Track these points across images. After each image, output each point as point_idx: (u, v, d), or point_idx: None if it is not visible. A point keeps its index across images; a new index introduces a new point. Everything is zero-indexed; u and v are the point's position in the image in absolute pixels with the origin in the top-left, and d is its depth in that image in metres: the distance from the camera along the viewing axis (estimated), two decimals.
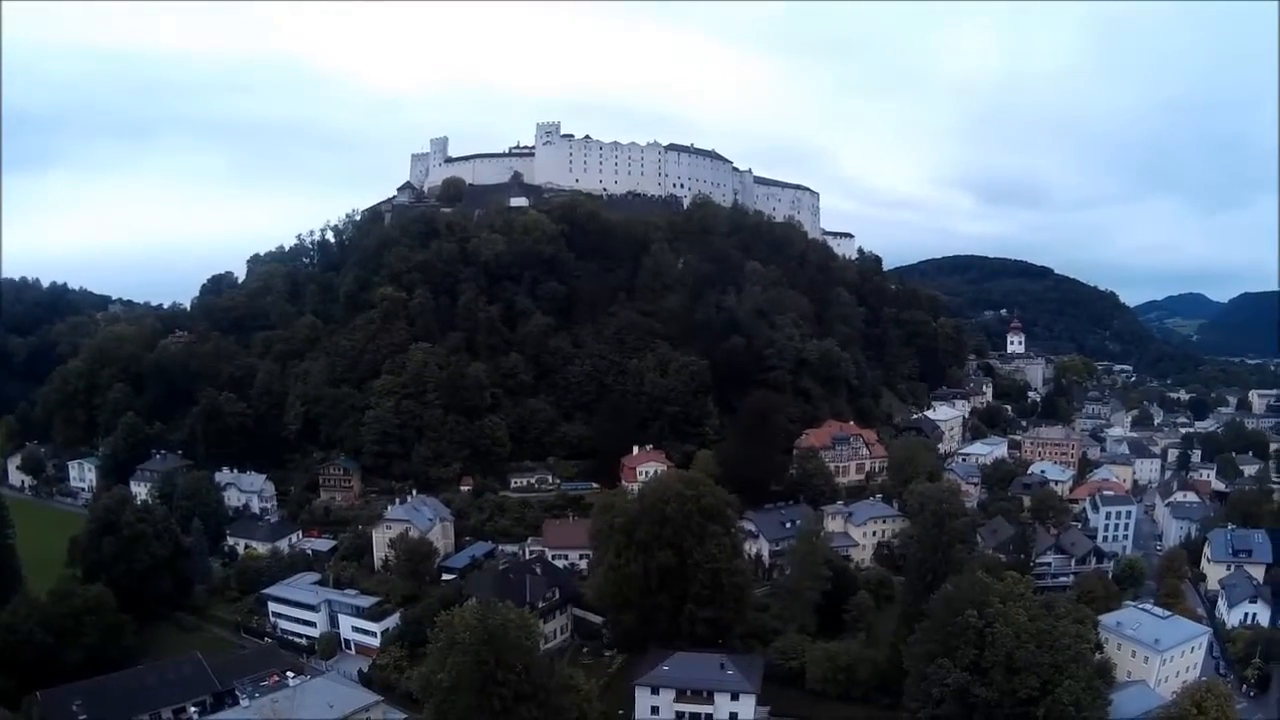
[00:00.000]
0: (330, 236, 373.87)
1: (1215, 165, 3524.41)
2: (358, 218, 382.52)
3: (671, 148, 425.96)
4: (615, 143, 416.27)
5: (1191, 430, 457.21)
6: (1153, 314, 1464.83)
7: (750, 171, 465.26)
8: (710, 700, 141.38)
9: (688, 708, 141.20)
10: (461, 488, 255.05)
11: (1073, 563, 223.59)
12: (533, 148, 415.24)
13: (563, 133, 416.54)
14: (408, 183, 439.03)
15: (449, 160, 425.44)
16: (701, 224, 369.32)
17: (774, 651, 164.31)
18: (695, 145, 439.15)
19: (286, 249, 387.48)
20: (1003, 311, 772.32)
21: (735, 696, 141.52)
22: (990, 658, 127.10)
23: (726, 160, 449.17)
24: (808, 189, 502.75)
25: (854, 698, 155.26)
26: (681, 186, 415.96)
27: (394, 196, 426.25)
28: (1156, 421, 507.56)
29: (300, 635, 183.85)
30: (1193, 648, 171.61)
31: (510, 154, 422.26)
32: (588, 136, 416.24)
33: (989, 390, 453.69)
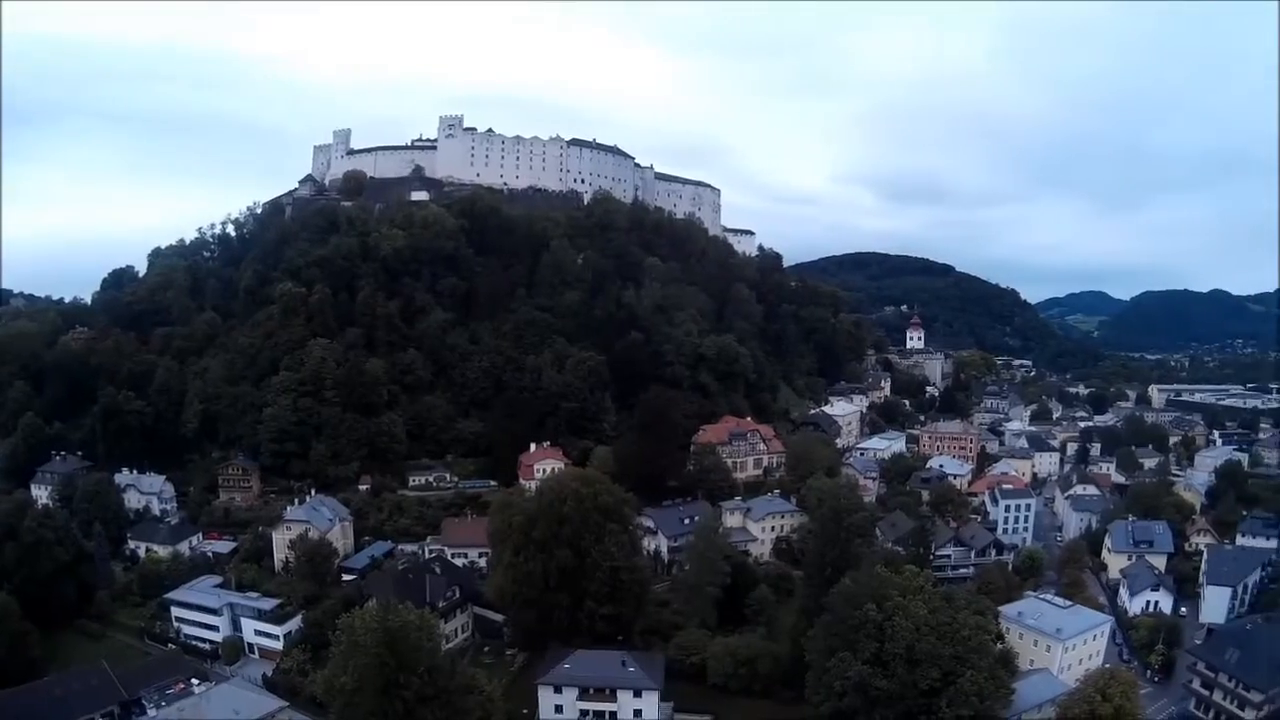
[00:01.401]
0: (231, 230, 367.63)
1: (1119, 167, 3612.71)
2: (259, 211, 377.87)
3: (574, 143, 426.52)
4: (518, 137, 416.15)
5: (1091, 424, 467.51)
6: (1054, 310, 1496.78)
7: (652, 168, 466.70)
8: (613, 698, 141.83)
9: (591, 706, 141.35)
10: (360, 487, 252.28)
11: (972, 555, 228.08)
12: (435, 141, 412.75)
13: (466, 126, 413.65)
14: (309, 175, 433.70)
15: (351, 152, 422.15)
16: (602, 220, 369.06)
17: (675, 647, 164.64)
18: (598, 141, 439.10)
19: (188, 242, 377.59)
20: (903, 308, 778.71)
21: (638, 693, 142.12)
22: (891, 650, 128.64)
23: (629, 156, 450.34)
24: (709, 186, 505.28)
25: (756, 692, 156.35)
26: (583, 182, 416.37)
27: (295, 189, 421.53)
28: (1056, 416, 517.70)
29: (204, 640, 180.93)
30: (1095, 636, 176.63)
31: (412, 147, 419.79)
32: (490, 130, 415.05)
33: (887, 385, 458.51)
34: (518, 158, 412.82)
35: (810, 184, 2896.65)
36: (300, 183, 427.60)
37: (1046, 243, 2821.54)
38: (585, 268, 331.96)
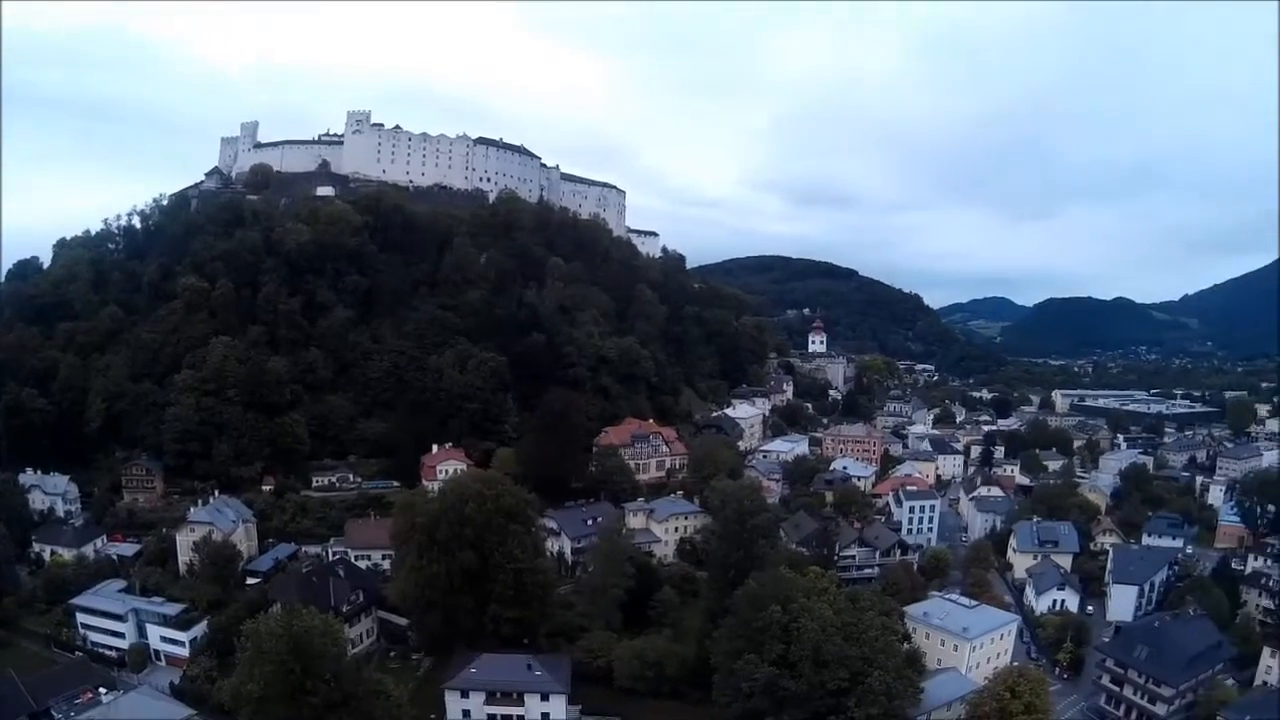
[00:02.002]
0: (137, 222, 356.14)
1: (1028, 176, 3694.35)
2: (165, 203, 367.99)
3: (480, 141, 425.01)
4: (424, 134, 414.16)
5: (994, 428, 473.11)
6: (957, 316, 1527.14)
7: (558, 168, 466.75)
8: (521, 701, 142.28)
9: (499, 710, 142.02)
10: (263, 487, 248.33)
11: (877, 555, 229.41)
12: (343, 136, 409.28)
13: (374, 122, 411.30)
14: (216, 168, 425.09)
15: (258, 146, 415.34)
16: (506, 219, 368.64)
17: (581, 650, 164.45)
18: (505, 140, 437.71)
19: (94, 234, 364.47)
20: (806, 311, 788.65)
21: (545, 697, 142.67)
22: (797, 652, 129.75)
23: (535, 156, 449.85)
24: (614, 187, 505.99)
25: (664, 693, 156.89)
26: (488, 181, 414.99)
27: (201, 181, 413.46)
28: (959, 419, 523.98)
29: (110, 647, 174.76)
30: (1002, 635, 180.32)
31: (319, 141, 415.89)
32: (398, 127, 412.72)
33: (790, 388, 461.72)
34: (424, 155, 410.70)
35: (717, 187, 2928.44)
36: (207, 175, 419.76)
37: (953, 250, 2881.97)
38: (488, 267, 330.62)
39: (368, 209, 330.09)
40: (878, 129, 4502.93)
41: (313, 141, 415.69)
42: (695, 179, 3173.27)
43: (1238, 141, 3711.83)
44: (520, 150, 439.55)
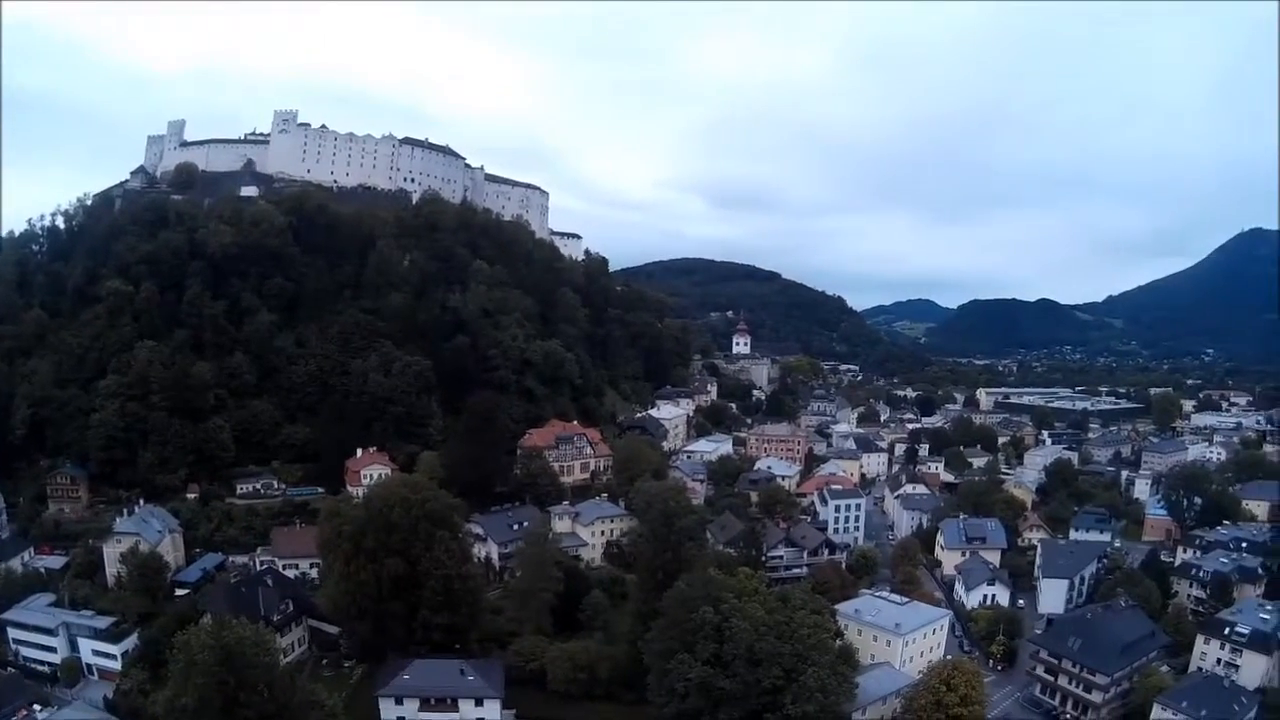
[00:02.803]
0: (60, 223, 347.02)
1: (955, 182, 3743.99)
2: (89, 203, 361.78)
3: (406, 141, 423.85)
4: (351, 134, 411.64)
5: (919, 426, 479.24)
6: (881, 318, 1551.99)
7: (482, 168, 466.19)
8: (455, 707, 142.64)
9: (433, 716, 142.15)
10: (188, 495, 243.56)
11: (805, 555, 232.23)
12: (269, 135, 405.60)
13: (300, 121, 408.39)
14: (141, 167, 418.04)
15: (184, 144, 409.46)
16: (430, 220, 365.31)
17: (513, 654, 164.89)
18: (430, 140, 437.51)
19: (17, 234, 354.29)
20: (729, 313, 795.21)
21: (480, 702, 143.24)
22: (731, 651, 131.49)
23: (459, 156, 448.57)
24: (538, 188, 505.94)
25: (598, 696, 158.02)
26: (413, 181, 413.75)
27: (126, 181, 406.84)
28: (883, 418, 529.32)
29: (43, 662, 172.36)
30: (935, 629, 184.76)
31: (245, 140, 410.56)
32: (324, 126, 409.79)
33: (714, 389, 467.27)
34: (349, 155, 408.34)
35: (642, 190, 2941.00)
36: (132, 174, 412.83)
37: (878, 253, 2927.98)
38: (412, 269, 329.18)
39: (292, 210, 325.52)
40: (805, 134, 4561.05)
41: (238, 141, 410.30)
42: (620, 181, 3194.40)
43: (1161, 148, 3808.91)
44: (445, 150, 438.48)
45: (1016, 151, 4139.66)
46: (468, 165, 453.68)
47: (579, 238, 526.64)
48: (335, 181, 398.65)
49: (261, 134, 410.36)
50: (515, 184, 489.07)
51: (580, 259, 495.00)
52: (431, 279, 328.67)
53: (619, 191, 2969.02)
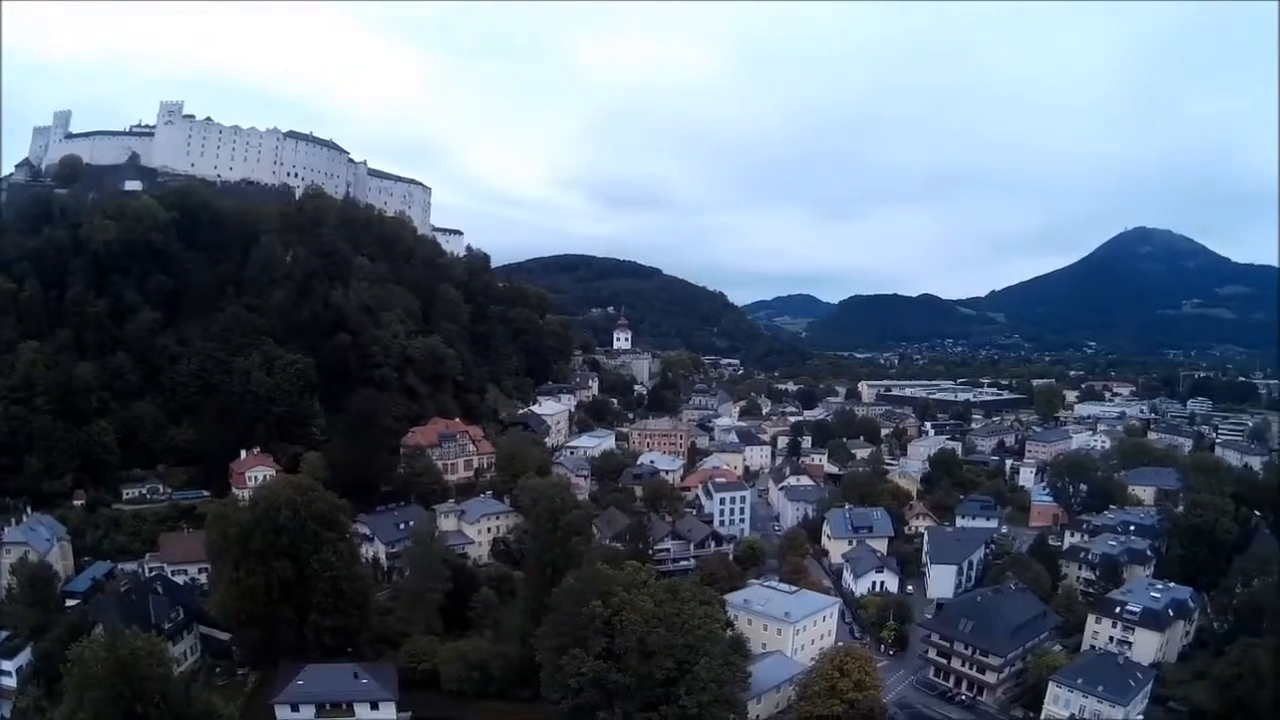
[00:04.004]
0: None
1: (836, 178, 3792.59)
2: None
3: (290, 135, 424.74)
4: (235, 127, 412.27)
5: (801, 419, 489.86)
6: (762, 313, 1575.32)
7: (365, 163, 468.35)
8: (351, 711, 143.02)
9: None
10: (74, 502, 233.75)
11: (692, 547, 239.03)
12: (154, 128, 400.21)
13: (185, 113, 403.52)
14: (26, 159, 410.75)
15: (70, 136, 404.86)
16: (313, 216, 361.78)
17: (405, 655, 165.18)
18: (315, 134, 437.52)
19: None
20: (610, 309, 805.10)
21: (375, 705, 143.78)
22: (622, 644, 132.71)
23: (343, 151, 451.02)
24: (420, 184, 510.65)
25: (492, 694, 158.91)
26: (296, 176, 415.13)
27: (10, 174, 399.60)
28: (765, 412, 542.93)
29: None
30: (824, 617, 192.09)
31: (130, 133, 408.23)
32: (209, 119, 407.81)
33: (595, 385, 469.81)
34: (233, 149, 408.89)
35: (525, 186, 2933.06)
36: (16, 167, 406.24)
37: (761, 249, 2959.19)
38: (294, 266, 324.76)
39: (175, 205, 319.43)
40: (692, 132, 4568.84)
41: (123, 133, 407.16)
42: (504, 179, 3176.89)
43: (1051, 148, 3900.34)
44: (330, 145, 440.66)
45: (904, 150, 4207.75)
46: (351, 160, 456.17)
47: (461, 234, 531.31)
48: (219, 176, 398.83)
49: (147, 126, 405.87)
50: (399, 179, 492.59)
51: (462, 255, 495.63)
52: (314, 275, 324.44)
53: (503, 188, 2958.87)
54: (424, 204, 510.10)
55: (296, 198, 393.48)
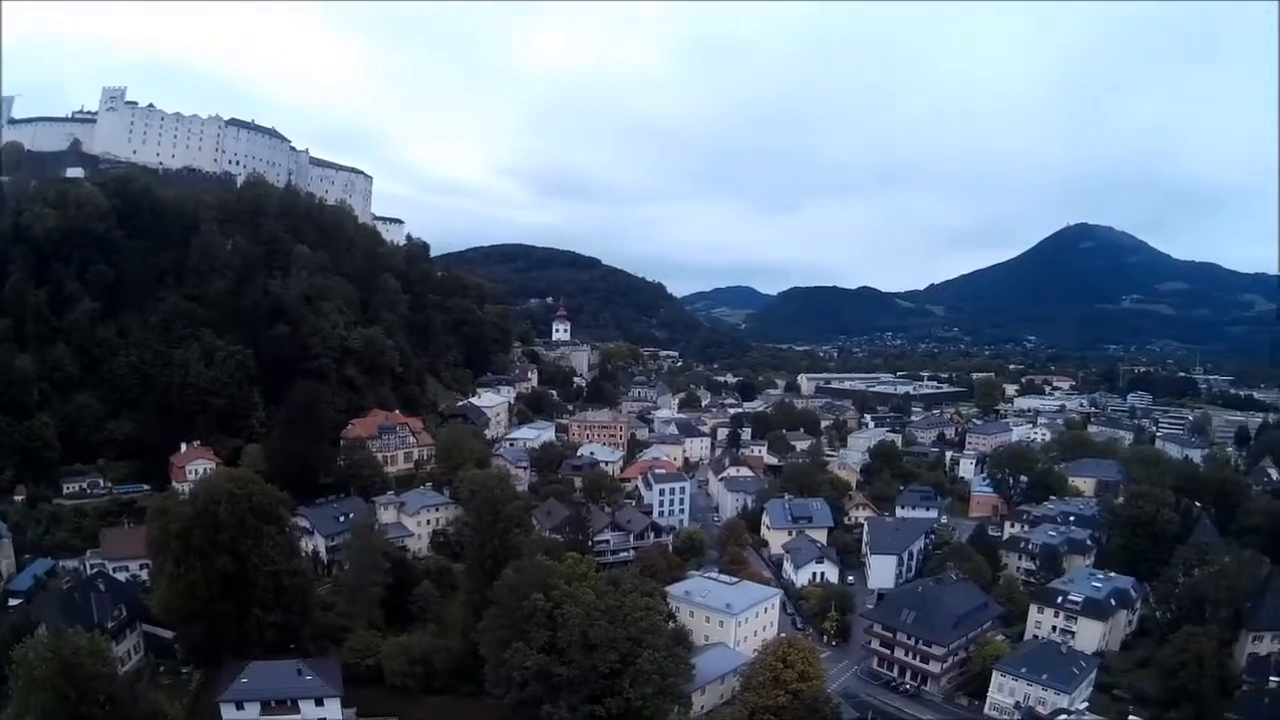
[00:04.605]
0: None
1: (777, 171, 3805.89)
2: None
3: (232, 122, 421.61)
4: (178, 114, 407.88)
5: (741, 411, 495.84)
6: (701, 304, 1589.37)
7: (307, 151, 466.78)
8: (296, 708, 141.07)
9: (275, 718, 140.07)
10: (15, 497, 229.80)
11: (631, 539, 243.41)
12: (97, 113, 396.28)
13: (128, 99, 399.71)
14: None
15: (12, 122, 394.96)
16: (254, 204, 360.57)
17: (348, 651, 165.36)
18: (257, 121, 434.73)
19: None
20: (549, 299, 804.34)
21: (320, 701, 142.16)
22: (565, 638, 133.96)
23: (285, 139, 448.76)
24: (362, 172, 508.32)
25: (436, 689, 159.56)
26: (238, 164, 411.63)
27: None
28: (705, 403, 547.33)
29: None
30: (766, 608, 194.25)
31: (72, 119, 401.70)
32: (151, 105, 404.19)
33: (535, 376, 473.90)
34: (175, 136, 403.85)
35: (467, 176, 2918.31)
36: None
37: (701, 241, 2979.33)
38: (234, 255, 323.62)
39: (116, 192, 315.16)
40: (634, 123, 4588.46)
41: (65, 119, 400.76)
42: (446, 168, 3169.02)
43: (986, 144, 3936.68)
44: (271, 133, 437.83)
45: (845, 145, 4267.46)
46: (293, 148, 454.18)
47: (401, 223, 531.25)
48: (161, 164, 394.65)
49: (90, 112, 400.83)
50: (340, 168, 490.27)
51: (402, 244, 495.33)
52: (254, 265, 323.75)
53: (444, 177, 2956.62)
54: (365, 193, 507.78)
55: (238, 186, 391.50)
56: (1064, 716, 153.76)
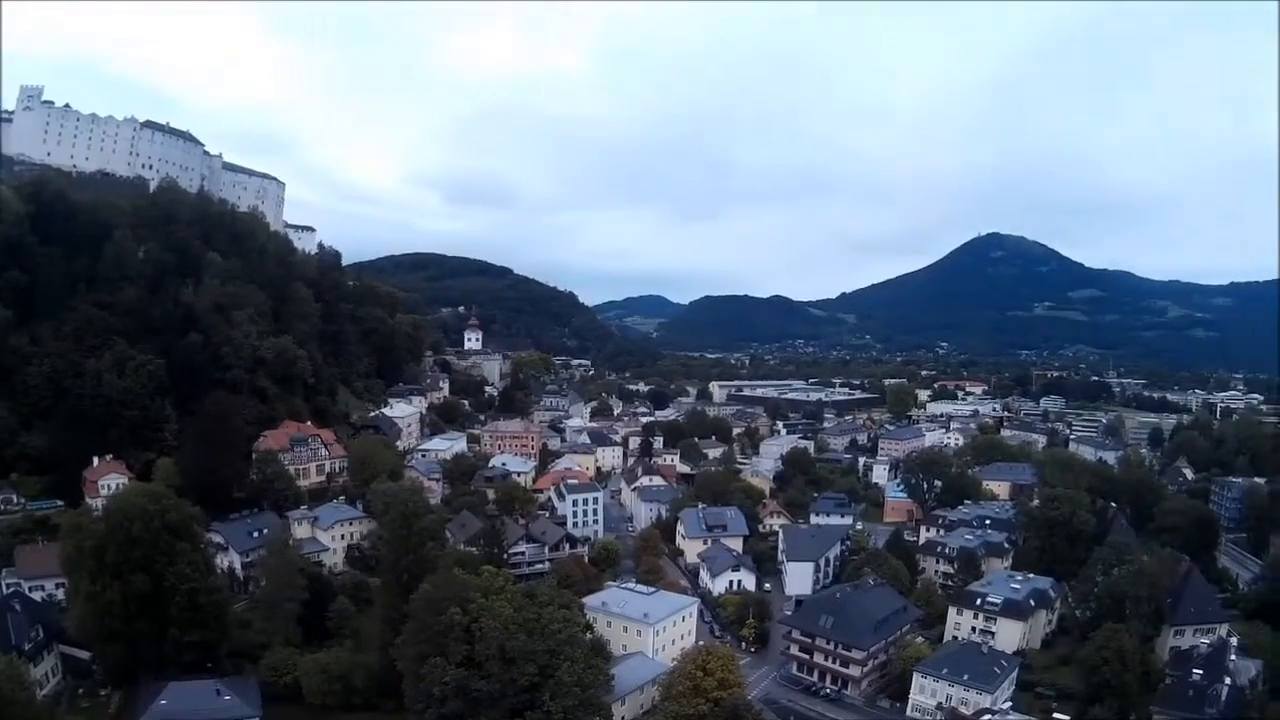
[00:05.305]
0: None
1: (688, 180, 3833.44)
2: None
3: (148, 125, 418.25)
4: (94, 115, 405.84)
5: (653, 420, 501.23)
6: (612, 313, 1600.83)
7: (221, 156, 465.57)
8: None
9: None
10: None
11: (546, 550, 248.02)
12: (12, 113, 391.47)
13: (45, 99, 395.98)
14: None
15: None
16: (167, 210, 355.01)
17: (266, 669, 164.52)
18: (171, 125, 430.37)
19: None
20: (461, 308, 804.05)
21: None
22: (483, 651, 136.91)
23: (199, 143, 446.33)
24: (275, 179, 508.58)
25: (356, 706, 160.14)
26: (151, 168, 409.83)
27: None
28: (617, 412, 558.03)
29: None
30: (684, 617, 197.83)
31: None
32: (68, 105, 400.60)
33: (446, 386, 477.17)
34: (90, 138, 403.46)
35: (379, 183, 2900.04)
36: None
37: (613, 249, 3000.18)
38: (147, 262, 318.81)
39: (31, 196, 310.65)
40: (545, 131, 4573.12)
41: None
42: (358, 175, 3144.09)
43: (901, 154, 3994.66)
44: (186, 136, 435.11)
45: (757, 154, 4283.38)
46: (206, 153, 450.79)
47: (314, 230, 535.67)
48: (75, 166, 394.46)
49: (7, 112, 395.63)
50: (253, 174, 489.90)
51: (314, 253, 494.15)
52: (166, 272, 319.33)
53: (356, 184, 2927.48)
54: (278, 199, 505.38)
55: (151, 191, 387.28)
56: (988, 716, 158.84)
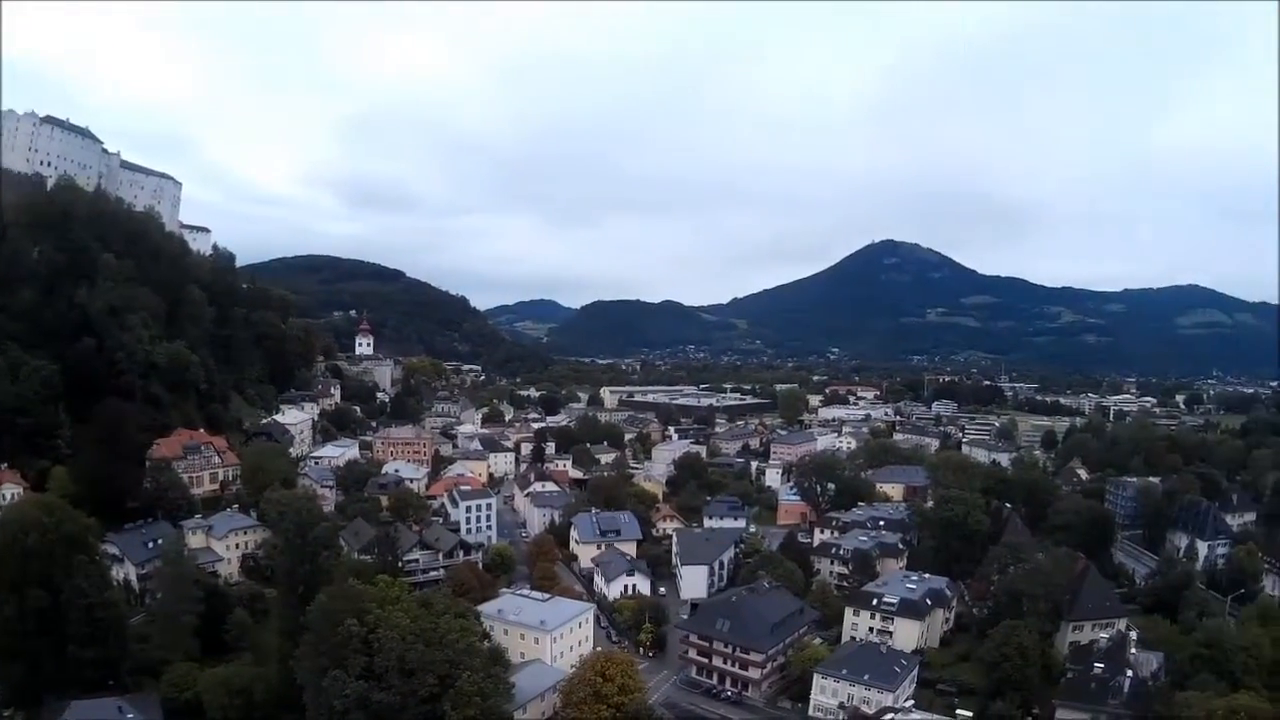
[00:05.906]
0: None
1: (580, 186, 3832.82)
2: None
3: (48, 120, 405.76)
4: None
5: (545, 425, 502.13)
6: (504, 318, 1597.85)
7: (119, 154, 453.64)
8: None
9: None
10: None
11: (441, 557, 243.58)
12: None
13: None
14: None
15: None
16: (64, 209, 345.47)
17: (166, 685, 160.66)
18: (71, 121, 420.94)
19: None
20: (353, 313, 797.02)
21: None
22: (382, 663, 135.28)
23: (98, 140, 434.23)
24: (171, 178, 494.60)
25: (258, 719, 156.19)
26: (50, 165, 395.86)
27: None
28: (509, 418, 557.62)
29: None
30: (580, 623, 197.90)
31: None
32: None
33: (338, 392, 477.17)
34: None
35: (276, 184, 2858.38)
36: None
37: (505, 254, 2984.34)
38: (41, 263, 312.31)
39: None
40: (438, 135, 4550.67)
41: None
42: (254, 174, 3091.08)
43: (794, 164, 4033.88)
44: (85, 133, 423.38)
45: (648, 160, 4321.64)
46: (105, 150, 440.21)
47: (208, 231, 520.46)
48: None
49: None
50: (150, 173, 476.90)
51: (208, 254, 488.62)
52: (61, 274, 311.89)
53: (255, 185, 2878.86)
54: (174, 199, 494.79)
55: (48, 189, 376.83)
56: (891, 715, 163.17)
